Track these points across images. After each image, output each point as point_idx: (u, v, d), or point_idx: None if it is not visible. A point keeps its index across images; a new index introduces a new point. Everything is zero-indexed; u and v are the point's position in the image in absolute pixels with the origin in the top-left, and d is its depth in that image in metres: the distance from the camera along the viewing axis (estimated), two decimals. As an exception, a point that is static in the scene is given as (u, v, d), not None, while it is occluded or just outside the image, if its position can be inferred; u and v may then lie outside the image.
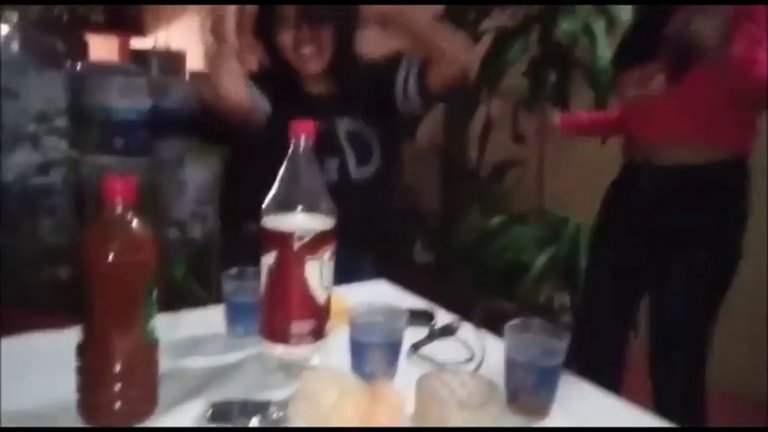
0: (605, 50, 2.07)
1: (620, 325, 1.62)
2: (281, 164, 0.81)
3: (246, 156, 1.41)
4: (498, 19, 2.42)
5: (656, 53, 1.42)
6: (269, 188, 0.81)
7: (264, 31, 1.34)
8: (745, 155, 1.42)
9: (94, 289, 0.65)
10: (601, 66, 2.05)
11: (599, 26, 2.14)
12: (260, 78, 1.34)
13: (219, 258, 1.37)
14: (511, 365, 0.80)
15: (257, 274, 0.82)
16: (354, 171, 1.36)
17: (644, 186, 1.46)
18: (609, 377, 1.49)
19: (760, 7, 1.30)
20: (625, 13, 2.09)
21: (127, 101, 2.70)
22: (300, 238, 0.78)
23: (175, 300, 1.04)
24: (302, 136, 0.81)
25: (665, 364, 1.49)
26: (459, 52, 1.31)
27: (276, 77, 1.35)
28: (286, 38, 1.31)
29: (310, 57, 1.31)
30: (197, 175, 2.58)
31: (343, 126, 1.36)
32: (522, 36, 2.27)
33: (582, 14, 2.21)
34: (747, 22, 1.26)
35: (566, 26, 2.15)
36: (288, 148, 0.81)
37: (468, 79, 1.38)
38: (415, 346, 0.93)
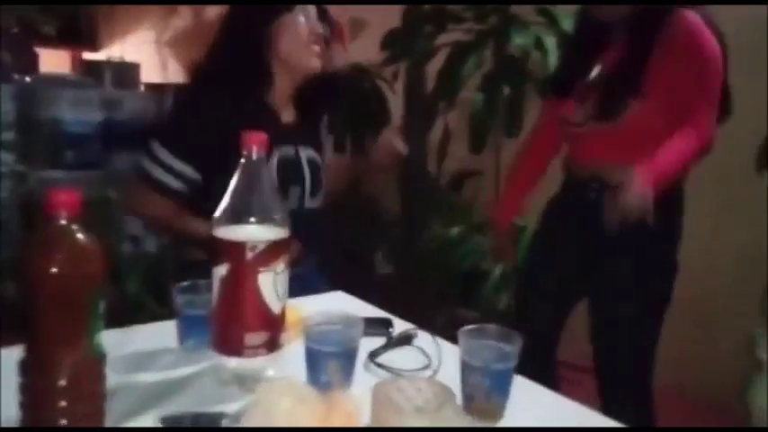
0: (556, 64, 2.13)
1: (554, 331, 1.65)
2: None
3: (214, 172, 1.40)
4: (454, 34, 2.47)
5: (589, 85, 1.48)
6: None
7: (253, 28, 1.31)
8: (682, 176, 1.50)
9: (38, 302, 0.63)
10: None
11: (550, 41, 2.20)
12: (235, 98, 1.28)
13: (174, 272, 1.35)
14: (465, 369, 0.81)
15: (210, 287, 0.81)
16: (308, 200, 1.37)
17: (592, 200, 1.48)
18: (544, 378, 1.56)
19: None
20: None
21: (78, 113, 2.64)
22: (253, 248, 0.77)
23: (129, 315, 1.02)
24: (254, 146, 0.81)
25: (613, 368, 1.53)
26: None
27: (248, 96, 1.31)
28: (301, 25, 1.31)
29: (319, 55, 1.33)
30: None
31: (305, 155, 1.37)
32: (477, 51, 2.32)
33: (534, 29, 2.27)
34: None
35: (518, 41, 2.21)
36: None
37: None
38: (372, 355, 0.93)
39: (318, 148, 1.42)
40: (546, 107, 1.71)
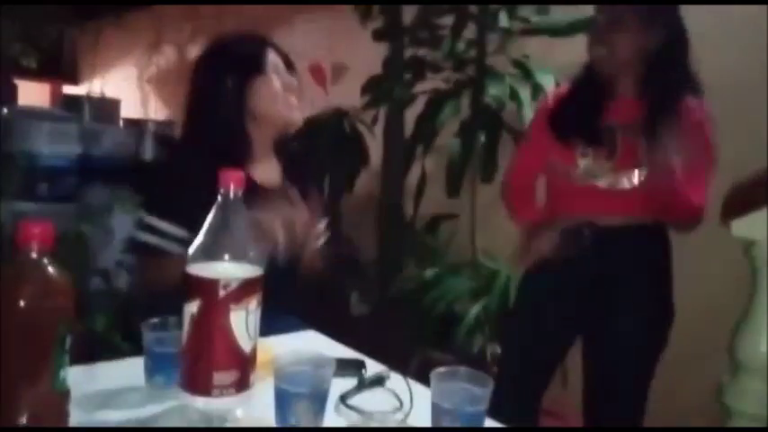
0: (530, 115, 2.20)
1: (545, 376, 1.64)
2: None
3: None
4: (432, 82, 2.54)
5: (600, 137, 1.48)
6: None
7: (225, 93, 1.30)
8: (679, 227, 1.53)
9: (4, 334, 0.62)
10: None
11: (525, 93, 2.28)
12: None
13: (144, 310, 1.33)
14: (437, 412, 0.80)
15: (180, 324, 0.80)
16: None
17: (587, 245, 1.48)
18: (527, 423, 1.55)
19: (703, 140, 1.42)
20: (548, 81, 2.23)
21: (54, 146, 2.62)
22: (225, 285, 0.77)
23: (96, 351, 1.00)
24: (231, 185, 0.81)
25: (607, 415, 1.53)
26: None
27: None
28: (275, 82, 1.31)
29: (296, 106, 1.34)
30: (125, 223, 2.50)
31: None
32: (454, 99, 2.39)
33: (508, 81, 2.35)
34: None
35: (493, 92, 2.28)
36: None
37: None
38: (344, 397, 0.93)
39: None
40: (532, 150, 1.66)
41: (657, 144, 1.37)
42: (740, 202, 1.39)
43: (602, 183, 1.46)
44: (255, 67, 1.32)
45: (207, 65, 1.37)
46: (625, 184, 1.45)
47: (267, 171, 1.38)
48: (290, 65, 1.37)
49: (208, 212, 0.83)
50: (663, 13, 1.46)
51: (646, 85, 1.46)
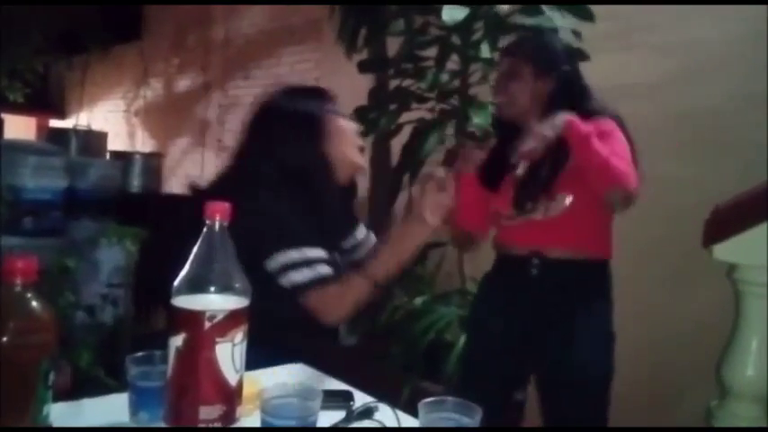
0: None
1: (497, 411, 1.64)
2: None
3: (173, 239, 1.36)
4: (417, 112, 2.57)
5: (515, 179, 1.59)
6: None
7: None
8: (608, 255, 1.60)
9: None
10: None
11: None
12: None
13: (130, 344, 1.31)
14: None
15: (165, 358, 0.79)
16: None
17: (534, 276, 1.54)
18: None
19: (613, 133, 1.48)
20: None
21: (40, 180, 2.61)
22: (211, 317, 0.77)
23: (80, 388, 0.98)
24: (217, 216, 0.82)
25: None
26: None
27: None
28: (348, 125, 1.37)
29: (364, 149, 1.41)
30: (110, 256, 2.49)
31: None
32: (439, 128, 2.42)
33: (492, 110, 2.38)
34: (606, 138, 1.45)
35: (477, 121, 2.31)
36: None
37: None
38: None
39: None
40: (469, 188, 1.68)
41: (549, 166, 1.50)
42: (722, 226, 1.41)
43: (537, 216, 1.53)
44: (327, 111, 1.35)
45: (272, 114, 1.35)
46: (557, 208, 1.51)
47: None
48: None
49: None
50: (552, 62, 1.59)
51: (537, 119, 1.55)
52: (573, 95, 1.57)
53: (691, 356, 2.17)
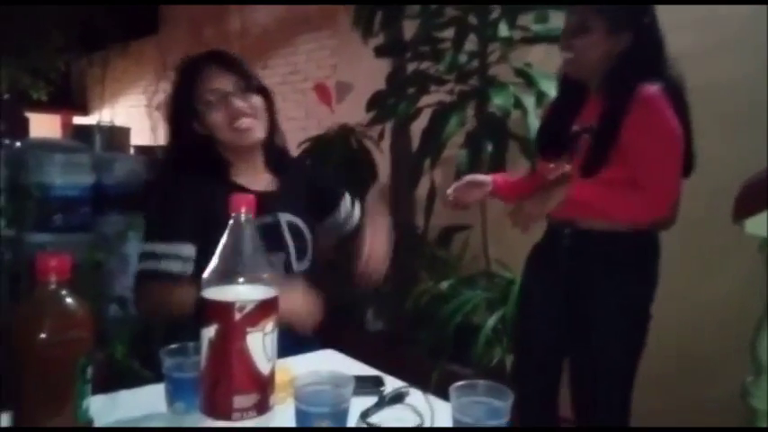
0: (536, 122, 2.20)
1: (551, 381, 1.64)
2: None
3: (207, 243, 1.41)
4: (436, 95, 2.55)
5: (569, 145, 1.52)
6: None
7: (184, 119, 1.34)
8: (655, 227, 1.53)
9: (26, 367, 0.63)
10: (533, 136, 2.18)
11: (529, 101, 2.28)
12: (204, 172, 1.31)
13: (163, 334, 1.33)
14: (457, 427, 0.80)
15: (198, 349, 0.81)
16: (295, 265, 1.38)
17: (565, 246, 1.52)
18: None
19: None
20: (551, 88, 2.24)
21: (68, 177, 2.66)
22: (241, 308, 0.77)
23: (116, 379, 1.00)
24: (242, 208, 0.82)
25: (591, 418, 1.52)
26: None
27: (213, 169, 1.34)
28: (218, 116, 1.32)
29: (248, 128, 1.34)
30: (139, 249, 2.53)
31: (285, 221, 1.38)
32: (459, 110, 2.40)
33: (512, 89, 2.35)
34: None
35: (498, 101, 2.28)
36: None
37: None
38: (364, 414, 0.92)
39: (300, 212, 1.42)
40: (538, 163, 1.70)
41: (600, 138, 1.43)
42: (753, 200, 1.37)
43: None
44: (197, 100, 1.34)
45: (172, 92, 1.40)
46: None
47: (258, 180, 1.40)
48: (249, 87, 1.36)
49: (205, 229, 0.84)
50: (630, 16, 1.45)
51: (609, 83, 1.46)
52: (648, 56, 1.44)
53: (724, 334, 2.14)
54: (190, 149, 1.34)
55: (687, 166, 1.47)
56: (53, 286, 0.65)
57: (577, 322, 1.53)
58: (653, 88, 1.40)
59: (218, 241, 0.81)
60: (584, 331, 1.51)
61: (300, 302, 1.23)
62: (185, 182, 1.31)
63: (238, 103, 1.33)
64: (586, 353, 1.52)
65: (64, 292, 0.65)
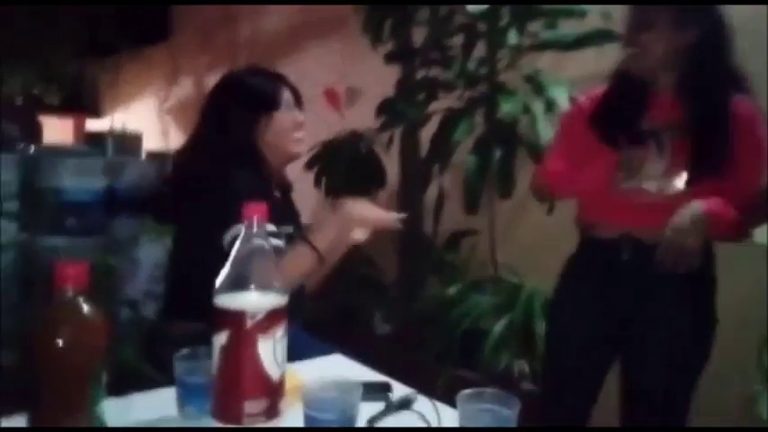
0: (545, 129, 2.20)
1: (589, 396, 1.56)
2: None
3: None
4: (445, 101, 2.56)
5: (646, 138, 1.41)
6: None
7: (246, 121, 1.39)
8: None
9: (42, 374, 0.65)
10: (542, 142, 2.18)
11: (537, 106, 2.28)
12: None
13: (173, 338, 1.35)
14: (458, 427, 0.81)
15: (210, 354, 0.82)
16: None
17: (625, 261, 1.42)
18: None
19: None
20: (561, 94, 2.24)
21: (80, 181, 2.69)
22: (252, 316, 0.79)
23: (127, 382, 1.02)
24: (254, 216, 0.84)
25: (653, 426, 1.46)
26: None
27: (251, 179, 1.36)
28: (287, 123, 1.40)
29: (302, 140, 1.45)
30: (151, 253, 2.55)
31: (284, 231, 1.42)
32: (468, 116, 2.40)
33: (521, 96, 2.36)
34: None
35: (506, 108, 2.29)
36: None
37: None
38: (372, 421, 0.94)
39: (294, 221, 1.50)
40: (565, 153, 1.55)
41: (707, 145, 1.34)
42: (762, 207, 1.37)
43: (650, 186, 1.39)
44: (271, 104, 1.41)
45: (222, 98, 1.44)
46: (676, 187, 1.38)
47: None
48: (299, 101, 1.46)
49: None
50: (695, 10, 1.40)
51: (684, 83, 1.40)
52: (716, 49, 1.38)
53: (731, 342, 2.13)
54: (241, 150, 1.38)
55: None
56: (70, 294, 0.66)
57: (641, 335, 1.44)
58: (751, 104, 1.38)
59: None
60: (650, 344, 1.43)
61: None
62: (242, 177, 1.33)
63: (301, 116, 1.44)
64: (654, 367, 1.44)
65: (81, 300, 0.67)
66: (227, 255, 0.83)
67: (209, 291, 0.81)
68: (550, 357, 1.64)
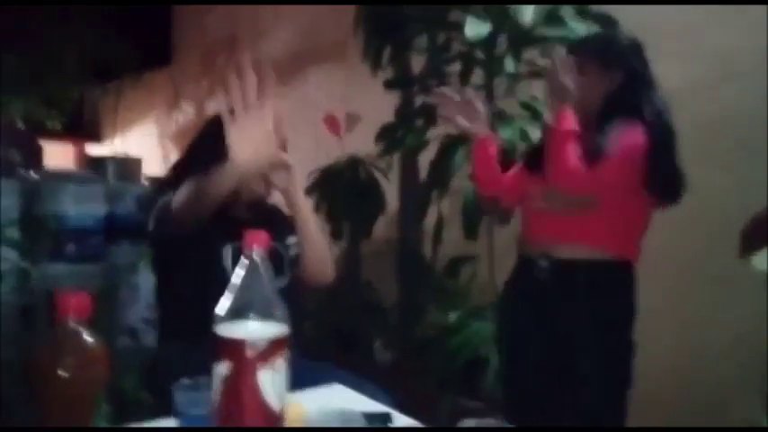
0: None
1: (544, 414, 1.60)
2: (209, 280, 0.85)
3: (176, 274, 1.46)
4: (444, 128, 2.58)
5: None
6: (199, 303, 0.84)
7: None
8: (632, 258, 1.52)
9: (44, 404, 0.65)
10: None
11: (535, 133, 2.31)
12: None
13: (171, 367, 1.34)
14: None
15: (210, 385, 0.82)
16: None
17: (542, 277, 1.51)
18: None
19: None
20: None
21: (81, 208, 2.70)
22: (253, 346, 0.79)
23: (125, 411, 1.01)
24: (255, 246, 0.84)
25: None
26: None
27: None
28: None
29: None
30: (149, 280, 2.55)
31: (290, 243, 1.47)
32: (467, 143, 2.42)
33: (519, 123, 2.38)
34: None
35: (504, 135, 2.31)
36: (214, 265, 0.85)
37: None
38: (372, 451, 0.93)
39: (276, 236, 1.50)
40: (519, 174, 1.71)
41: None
42: (758, 236, 1.38)
43: (554, 204, 1.49)
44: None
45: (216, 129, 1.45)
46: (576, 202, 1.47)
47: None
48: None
49: None
50: (622, 57, 1.52)
51: (600, 120, 1.50)
52: (639, 93, 1.50)
53: (734, 368, 2.12)
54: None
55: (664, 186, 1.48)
56: (72, 324, 0.66)
57: (561, 359, 1.50)
58: (634, 130, 1.46)
59: None
60: (570, 366, 1.49)
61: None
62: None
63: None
64: (573, 391, 1.49)
65: (83, 330, 0.67)
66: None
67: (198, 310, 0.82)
68: (505, 383, 1.73)
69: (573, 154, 1.41)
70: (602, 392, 1.47)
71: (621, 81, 1.51)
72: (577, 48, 1.58)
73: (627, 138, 1.45)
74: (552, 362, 1.54)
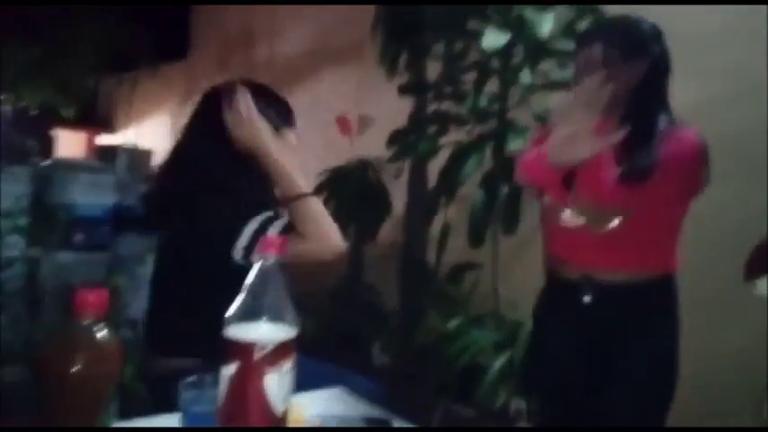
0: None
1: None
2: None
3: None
4: (455, 135, 2.60)
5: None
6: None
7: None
8: (674, 270, 1.47)
9: (55, 399, 0.66)
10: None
11: (545, 146, 2.31)
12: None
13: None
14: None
15: (216, 383, 0.83)
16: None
17: (586, 302, 1.44)
18: None
19: None
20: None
21: (91, 197, 2.72)
22: (262, 349, 0.80)
23: (123, 404, 1.02)
24: (270, 250, 0.86)
25: None
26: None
27: None
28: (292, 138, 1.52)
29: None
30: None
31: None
32: (477, 151, 2.44)
33: (530, 133, 2.39)
34: None
35: (515, 145, 2.31)
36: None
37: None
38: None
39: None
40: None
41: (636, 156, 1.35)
42: (763, 262, 1.38)
43: (587, 221, 1.39)
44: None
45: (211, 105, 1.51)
46: (612, 222, 1.38)
47: None
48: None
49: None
50: (645, 44, 1.43)
51: (626, 112, 1.41)
52: (664, 84, 1.43)
53: (735, 384, 2.12)
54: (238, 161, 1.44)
55: None
56: (87, 321, 0.68)
57: (606, 381, 1.44)
58: (693, 131, 1.40)
59: None
60: (611, 391, 1.43)
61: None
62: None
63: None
64: (617, 411, 1.44)
65: (98, 327, 0.68)
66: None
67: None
68: (542, 398, 1.65)
69: (613, 168, 1.34)
70: (645, 414, 1.43)
71: (647, 71, 1.41)
72: (598, 35, 1.46)
73: (680, 143, 1.37)
74: (597, 391, 1.47)
